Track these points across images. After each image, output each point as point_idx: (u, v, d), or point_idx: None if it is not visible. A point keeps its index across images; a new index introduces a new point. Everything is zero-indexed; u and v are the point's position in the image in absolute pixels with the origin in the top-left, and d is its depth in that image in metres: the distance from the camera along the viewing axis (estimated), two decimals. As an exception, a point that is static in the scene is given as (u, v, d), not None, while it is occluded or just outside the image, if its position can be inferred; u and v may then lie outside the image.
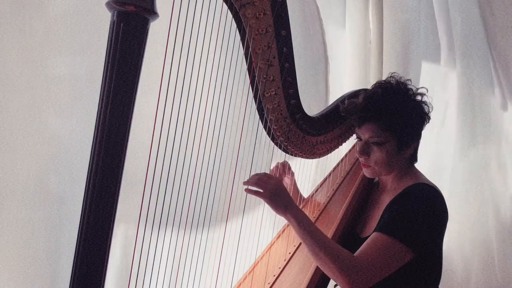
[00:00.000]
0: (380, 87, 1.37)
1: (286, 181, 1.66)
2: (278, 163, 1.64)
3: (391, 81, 1.38)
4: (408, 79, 1.38)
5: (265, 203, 1.27)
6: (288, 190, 1.58)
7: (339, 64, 2.66)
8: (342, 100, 1.49)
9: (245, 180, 1.30)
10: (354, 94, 1.51)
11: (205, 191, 1.38)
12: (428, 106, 1.37)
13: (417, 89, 1.37)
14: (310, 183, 1.97)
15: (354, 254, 1.23)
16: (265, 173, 1.28)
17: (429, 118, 1.38)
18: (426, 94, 1.37)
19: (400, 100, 1.34)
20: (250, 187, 1.26)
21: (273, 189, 1.24)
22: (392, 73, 1.40)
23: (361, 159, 1.38)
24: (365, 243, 1.25)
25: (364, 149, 1.35)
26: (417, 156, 1.43)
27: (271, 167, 1.65)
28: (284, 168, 1.64)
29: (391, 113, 1.31)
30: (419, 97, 1.36)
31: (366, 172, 1.41)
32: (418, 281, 1.29)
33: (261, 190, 1.25)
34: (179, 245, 1.33)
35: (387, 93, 1.34)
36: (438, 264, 1.34)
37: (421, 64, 2.67)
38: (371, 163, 1.36)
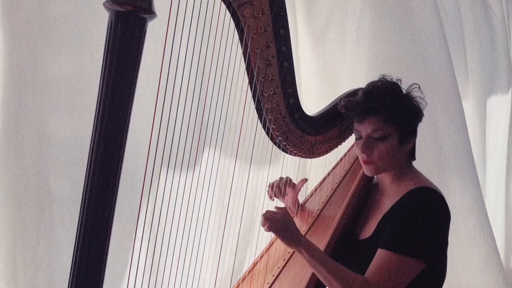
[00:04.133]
0: (378, 82, 1.38)
1: (287, 198, 1.62)
2: (274, 183, 1.58)
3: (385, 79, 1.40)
4: (398, 79, 1.39)
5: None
6: (291, 204, 1.57)
7: None
8: (340, 99, 1.49)
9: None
10: (352, 93, 1.50)
11: (204, 191, 1.38)
12: (421, 104, 1.37)
13: (410, 85, 1.38)
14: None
15: (364, 276, 1.24)
16: (268, 211, 1.29)
17: (423, 115, 1.38)
18: (419, 91, 1.38)
19: (399, 93, 1.36)
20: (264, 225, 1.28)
21: (280, 224, 1.26)
22: (383, 75, 1.41)
23: (364, 156, 1.36)
24: (373, 263, 1.26)
25: (367, 144, 1.34)
26: (415, 153, 1.43)
27: (269, 184, 1.59)
28: (286, 186, 1.58)
29: (392, 105, 1.32)
30: (412, 94, 1.38)
31: (368, 170, 1.38)
32: (425, 285, 1.30)
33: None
34: (178, 246, 1.33)
35: (387, 86, 1.36)
36: (444, 267, 1.35)
37: None
38: (374, 159, 1.35)
